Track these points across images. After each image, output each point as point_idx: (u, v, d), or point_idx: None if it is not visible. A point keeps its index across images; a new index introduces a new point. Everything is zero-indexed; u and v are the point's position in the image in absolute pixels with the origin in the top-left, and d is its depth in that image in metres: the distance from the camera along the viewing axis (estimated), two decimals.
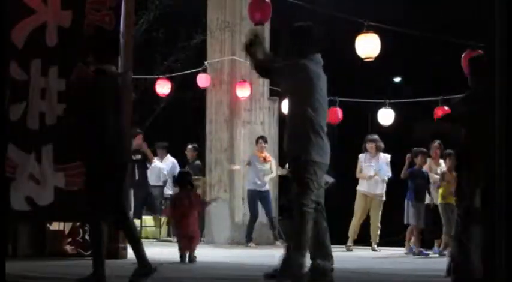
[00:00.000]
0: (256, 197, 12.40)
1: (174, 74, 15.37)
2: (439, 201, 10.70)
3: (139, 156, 12.86)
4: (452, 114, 6.16)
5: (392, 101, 13.91)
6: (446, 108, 14.11)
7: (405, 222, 11.23)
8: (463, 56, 11.33)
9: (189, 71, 14.45)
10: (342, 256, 9.89)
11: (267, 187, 12.57)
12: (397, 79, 24.10)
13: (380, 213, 11.73)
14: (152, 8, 18.12)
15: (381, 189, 11.74)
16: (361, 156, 11.95)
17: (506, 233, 3.79)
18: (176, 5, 16.86)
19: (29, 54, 7.95)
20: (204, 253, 10.56)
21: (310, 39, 6.21)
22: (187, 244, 8.47)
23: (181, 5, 16.12)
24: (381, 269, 8.50)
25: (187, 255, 8.46)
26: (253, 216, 12.37)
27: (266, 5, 10.63)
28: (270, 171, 12.61)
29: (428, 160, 11.29)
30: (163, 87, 14.54)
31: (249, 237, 12.27)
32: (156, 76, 15.52)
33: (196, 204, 8.69)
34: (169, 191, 13.90)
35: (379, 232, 11.78)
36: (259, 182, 12.40)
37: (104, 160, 5.59)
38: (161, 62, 18.31)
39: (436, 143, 11.21)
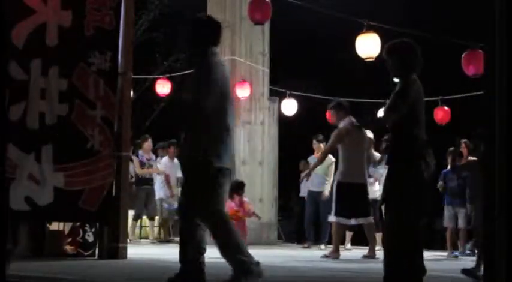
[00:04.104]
0: (314, 197, 12.44)
1: (174, 74, 15.37)
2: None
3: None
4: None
5: None
6: (446, 108, 14.14)
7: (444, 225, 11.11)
8: (463, 56, 11.36)
9: (189, 71, 14.44)
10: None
11: (321, 188, 12.52)
12: (397, 79, 24.07)
13: None
14: (152, 8, 18.12)
15: None
16: None
17: (506, 231, 3.79)
18: (176, 5, 16.85)
19: (29, 54, 7.93)
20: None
21: (209, 31, 5.66)
22: None
23: (181, 5, 16.11)
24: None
25: None
26: (310, 215, 12.55)
27: (266, 5, 10.63)
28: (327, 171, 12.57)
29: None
30: (163, 87, 14.55)
31: (304, 237, 12.87)
32: (156, 76, 15.54)
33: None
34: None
35: None
36: (316, 183, 12.37)
37: None
38: (161, 62, 18.31)
39: (462, 142, 11.05)
